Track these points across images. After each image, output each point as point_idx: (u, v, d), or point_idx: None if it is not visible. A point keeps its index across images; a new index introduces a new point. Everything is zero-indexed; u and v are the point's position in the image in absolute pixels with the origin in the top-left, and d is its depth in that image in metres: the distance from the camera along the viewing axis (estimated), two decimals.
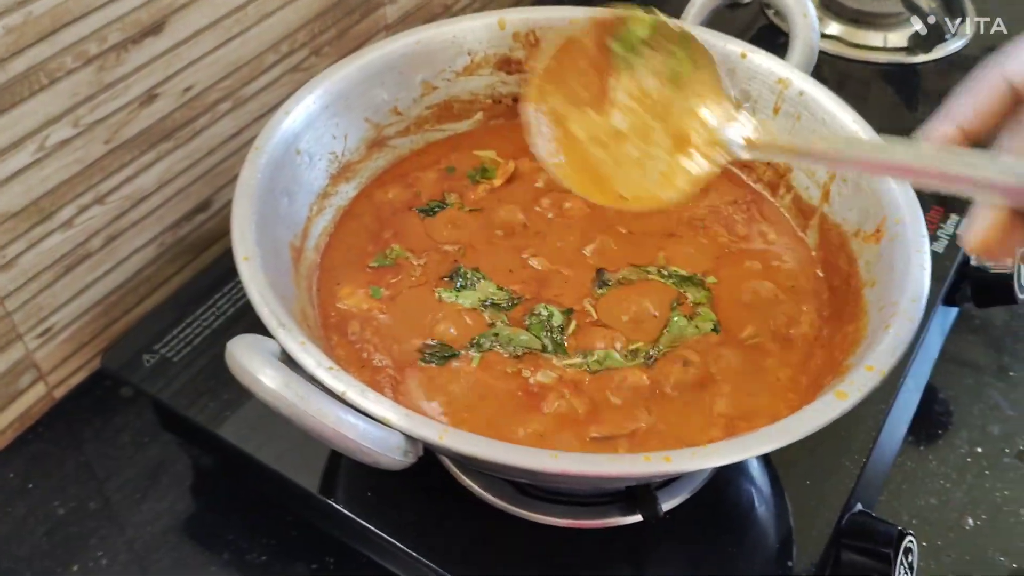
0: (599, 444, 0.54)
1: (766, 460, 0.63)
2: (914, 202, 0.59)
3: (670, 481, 0.59)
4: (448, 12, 1.00)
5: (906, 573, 0.59)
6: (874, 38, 1.00)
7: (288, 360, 0.48)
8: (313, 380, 0.47)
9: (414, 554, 0.57)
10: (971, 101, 0.45)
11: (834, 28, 1.02)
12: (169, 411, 0.65)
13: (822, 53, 0.76)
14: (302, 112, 0.64)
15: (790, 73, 0.68)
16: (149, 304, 0.79)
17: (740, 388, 0.58)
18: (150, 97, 0.70)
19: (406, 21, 0.93)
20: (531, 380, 0.57)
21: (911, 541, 0.59)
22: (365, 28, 0.88)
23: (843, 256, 0.63)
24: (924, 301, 0.53)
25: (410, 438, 0.46)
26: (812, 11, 0.72)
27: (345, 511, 0.59)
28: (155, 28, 0.68)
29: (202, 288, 0.72)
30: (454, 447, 0.45)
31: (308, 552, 0.65)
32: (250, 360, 0.45)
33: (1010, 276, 0.76)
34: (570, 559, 0.57)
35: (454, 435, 0.45)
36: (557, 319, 0.61)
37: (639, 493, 0.57)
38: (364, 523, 0.58)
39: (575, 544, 0.58)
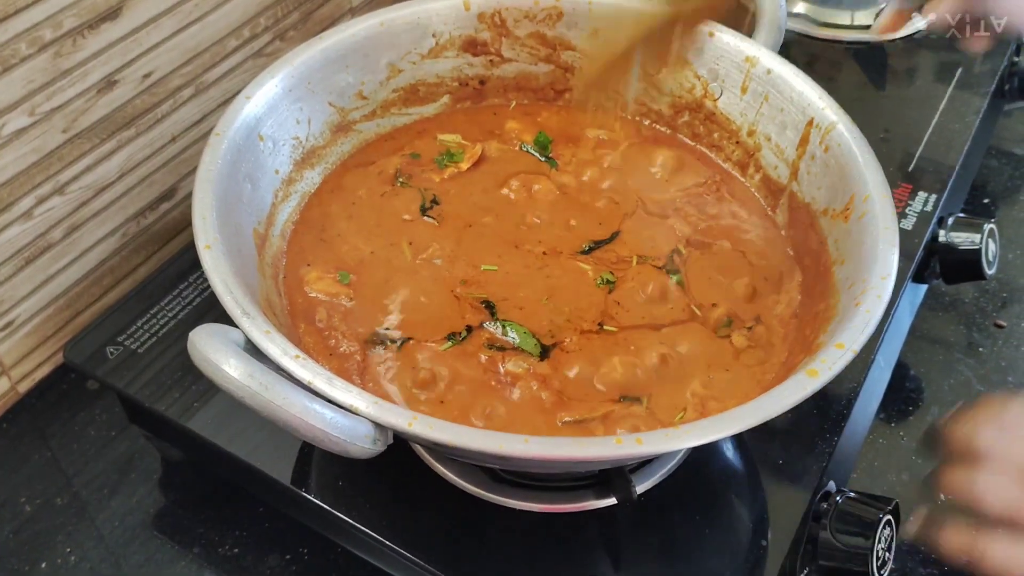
0: (572, 428, 0.54)
1: (739, 440, 0.63)
2: (882, 180, 0.59)
3: (644, 463, 0.59)
4: None
5: (884, 551, 0.59)
6: (841, 16, 1.00)
7: (253, 350, 0.47)
8: (279, 370, 0.46)
9: (387, 543, 0.56)
10: None
11: (801, 6, 1.01)
12: (136, 404, 0.64)
13: (789, 32, 0.75)
14: (264, 97, 0.63)
15: (757, 51, 0.68)
16: (113, 296, 0.78)
17: (712, 368, 0.57)
18: (109, 84, 0.69)
19: (371, 3, 0.92)
20: (501, 369, 0.57)
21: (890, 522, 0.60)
22: (329, 11, 0.87)
23: (812, 234, 0.63)
24: (893, 279, 0.53)
25: (379, 426, 0.45)
26: None
27: (317, 501, 0.58)
28: (112, 13, 0.66)
29: (168, 278, 0.71)
30: (424, 434, 0.45)
31: (281, 543, 0.64)
32: (213, 350, 0.44)
33: (978, 252, 0.76)
34: (545, 544, 0.57)
35: (424, 422, 0.45)
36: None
37: (613, 476, 0.56)
38: (336, 513, 0.58)
39: (550, 529, 0.57)
